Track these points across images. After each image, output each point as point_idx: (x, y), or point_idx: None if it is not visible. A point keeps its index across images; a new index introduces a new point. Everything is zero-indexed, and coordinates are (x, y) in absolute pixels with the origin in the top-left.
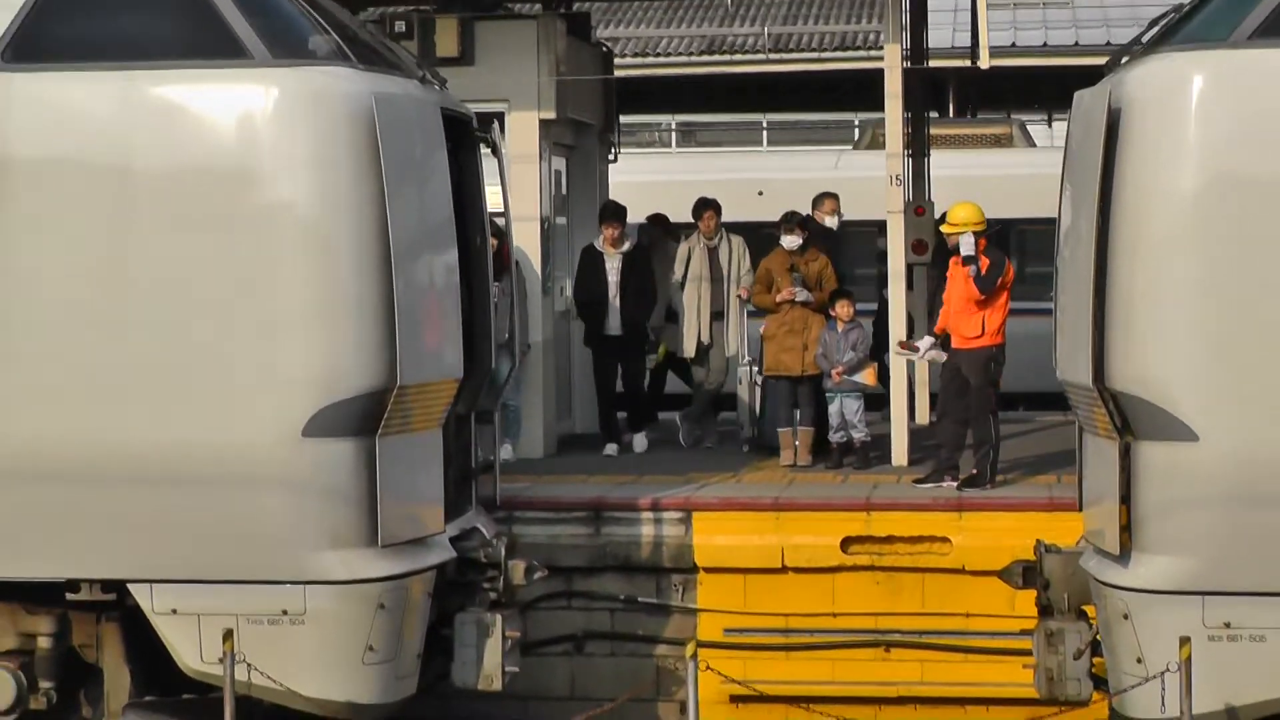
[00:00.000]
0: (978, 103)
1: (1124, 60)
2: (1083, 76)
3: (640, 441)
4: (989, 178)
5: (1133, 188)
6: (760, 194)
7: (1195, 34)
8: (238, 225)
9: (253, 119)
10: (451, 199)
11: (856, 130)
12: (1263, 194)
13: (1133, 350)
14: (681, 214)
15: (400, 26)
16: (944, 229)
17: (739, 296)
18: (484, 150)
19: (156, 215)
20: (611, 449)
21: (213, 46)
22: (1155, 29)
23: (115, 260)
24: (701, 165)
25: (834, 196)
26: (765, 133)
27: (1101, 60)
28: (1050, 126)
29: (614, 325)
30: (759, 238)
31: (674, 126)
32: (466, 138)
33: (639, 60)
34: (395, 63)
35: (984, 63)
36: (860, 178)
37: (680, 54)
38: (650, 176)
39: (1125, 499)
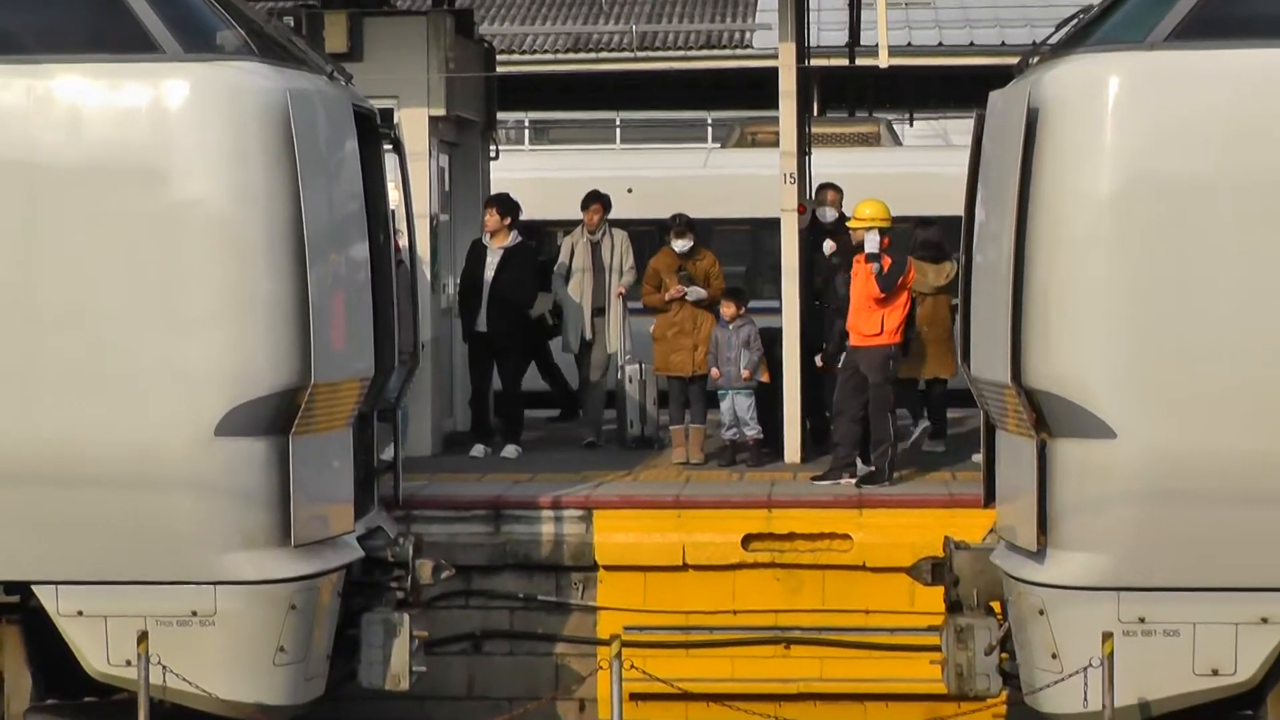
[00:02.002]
0: (854, 102)
1: (1035, 60)
2: (948, 78)
3: (511, 450)
4: (857, 176)
5: (1050, 187)
6: (630, 191)
7: (1111, 35)
8: (150, 222)
9: (166, 114)
10: (362, 196)
11: (710, 129)
12: (1179, 194)
13: (1050, 349)
14: (547, 211)
15: (289, 22)
16: (850, 224)
17: (619, 294)
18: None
19: (67, 211)
20: (478, 450)
21: (123, 40)
22: (1066, 29)
23: (24, 257)
24: (568, 163)
25: (836, 188)
26: (619, 130)
27: (976, 61)
28: (911, 125)
29: (483, 321)
30: (631, 236)
31: (527, 123)
32: (370, 134)
33: (505, 57)
34: (303, 58)
35: (883, 62)
36: (729, 176)
37: (546, 51)
38: (516, 174)
39: (1041, 496)
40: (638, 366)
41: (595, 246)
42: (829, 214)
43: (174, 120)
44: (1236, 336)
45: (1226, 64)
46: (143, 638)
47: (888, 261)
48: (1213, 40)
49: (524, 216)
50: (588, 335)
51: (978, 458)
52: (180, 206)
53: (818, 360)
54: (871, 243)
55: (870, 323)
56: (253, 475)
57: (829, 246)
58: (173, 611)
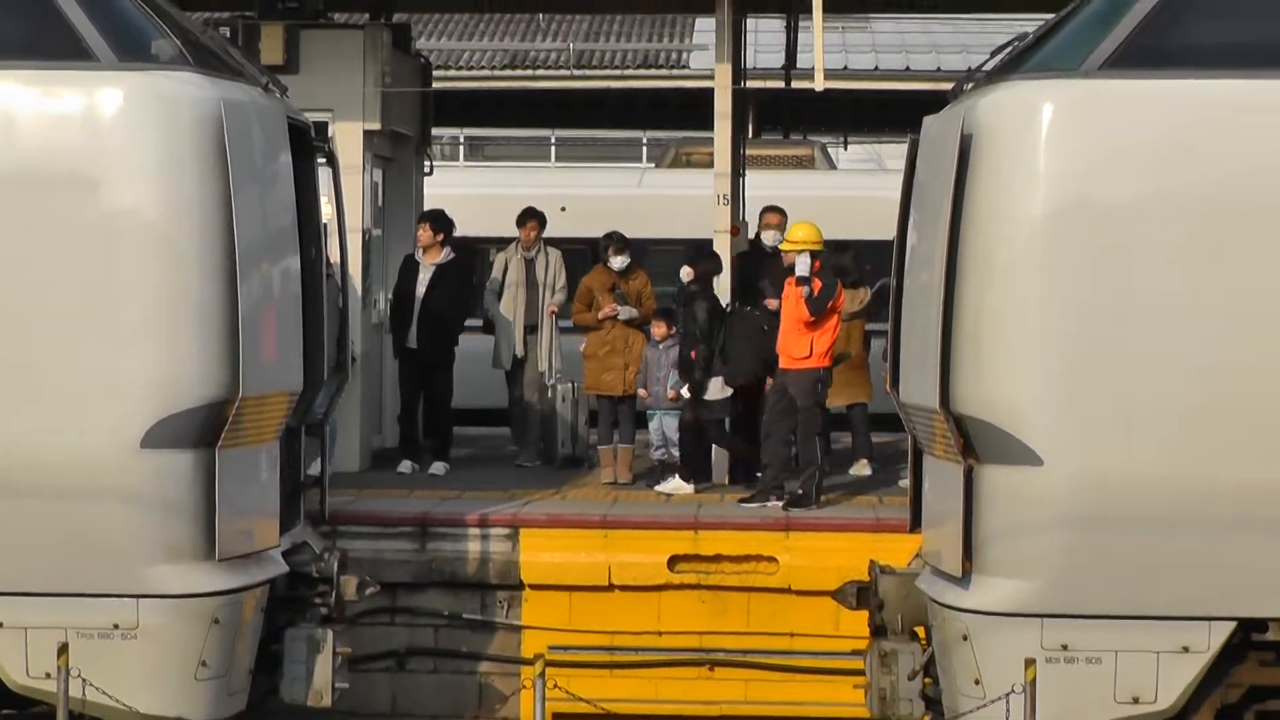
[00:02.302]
0: (789, 125)
1: (970, 86)
2: (883, 103)
3: (439, 467)
4: (792, 199)
5: (983, 213)
6: (563, 210)
7: (1046, 62)
8: (80, 231)
9: (99, 123)
10: (295, 208)
11: (645, 148)
12: (1111, 221)
13: (979, 374)
14: (481, 228)
15: (225, 33)
16: (782, 247)
17: (551, 311)
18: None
19: None
20: (406, 466)
21: (57, 48)
22: (1001, 56)
23: None
24: (502, 180)
25: (779, 211)
26: (554, 148)
27: (911, 85)
28: (845, 149)
29: (414, 337)
30: (564, 254)
31: (462, 140)
32: (304, 146)
33: (441, 73)
34: (238, 69)
35: (819, 85)
36: (664, 196)
37: (483, 67)
38: (450, 190)
39: (967, 521)
40: (570, 385)
41: (530, 263)
42: (773, 237)
43: (107, 129)
44: (1164, 364)
45: (1159, 93)
46: (63, 650)
47: (818, 285)
48: (1146, 69)
49: (458, 233)
50: (519, 352)
51: (905, 482)
52: (112, 216)
53: (684, 391)
54: (802, 266)
55: (799, 345)
56: (178, 488)
57: (685, 273)
58: (94, 624)
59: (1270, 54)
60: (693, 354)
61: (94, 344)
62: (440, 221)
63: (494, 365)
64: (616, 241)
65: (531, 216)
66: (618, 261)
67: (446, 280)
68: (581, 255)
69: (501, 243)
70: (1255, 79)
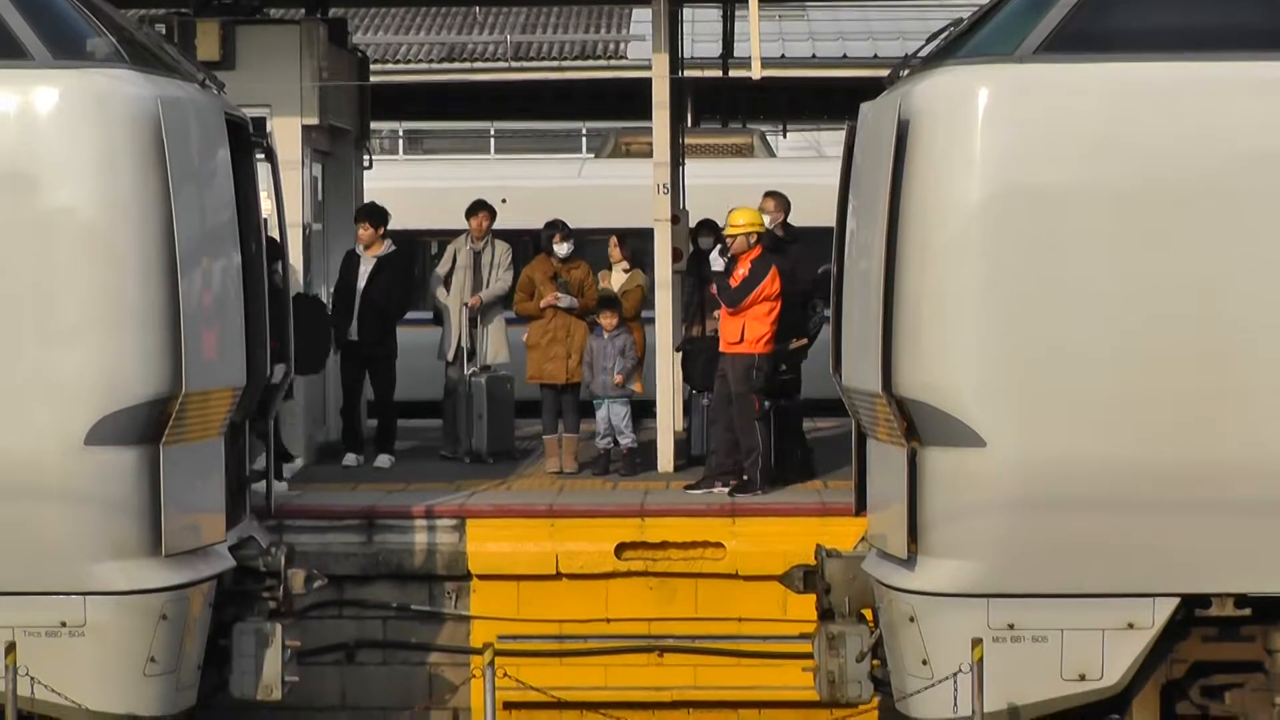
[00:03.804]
0: (727, 113)
1: (906, 72)
2: (821, 90)
3: (384, 460)
4: (731, 186)
5: (920, 198)
6: (504, 201)
7: (981, 48)
8: (18, 230)
9: (35, 121)
10: (234, 204)
11: (584, 139)
12: (1046, 204)
13: (921, 357)
14: (421, 221)
15: (160, 30)
16: (725, 233)
17: (473, 303)
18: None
19: None
20: (350, 459)
21: None
22: (937, 42)
23: None
24: (442, 172)
25: (777, 196)
26: (493, 140)
27: (848, 73)
28: (784, 136)
29: (355, 330)
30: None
31: (401, 133)
32: (242, 142)
33: (379, 67)
34: (174, 66)
35: (756, 73)
36: (603, 186)
37: (420, 60)
38: (390, 183)
39: (912, 504)
40: (482, 381)
41: (477, 255)
42: (768, 221)
43: (43, 127)
44: (1104, 345)
45: (1093, 76)
46: (11, 649)
47: (738, 277)
48: (1080, 53)
49: (398, 226)
50: (466, 344)
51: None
52: (50, 215)
53: None
54: (715, 261)
55: (731, 330)
56: (123, 485)
57: None
58: (42, 622)
59: (1202, 36)
60: None
61: (35, 343)
62: (376, 216)
63: (439, 356)
64: (561, 230)
65: (481, 208)
66: (562, 249)
67: (386, 272)
68: (523, 246)
69: (442, 235)
70: (1188, 61)
